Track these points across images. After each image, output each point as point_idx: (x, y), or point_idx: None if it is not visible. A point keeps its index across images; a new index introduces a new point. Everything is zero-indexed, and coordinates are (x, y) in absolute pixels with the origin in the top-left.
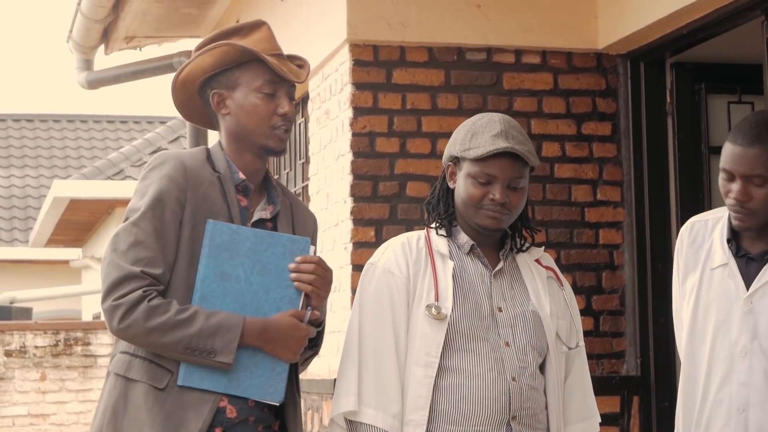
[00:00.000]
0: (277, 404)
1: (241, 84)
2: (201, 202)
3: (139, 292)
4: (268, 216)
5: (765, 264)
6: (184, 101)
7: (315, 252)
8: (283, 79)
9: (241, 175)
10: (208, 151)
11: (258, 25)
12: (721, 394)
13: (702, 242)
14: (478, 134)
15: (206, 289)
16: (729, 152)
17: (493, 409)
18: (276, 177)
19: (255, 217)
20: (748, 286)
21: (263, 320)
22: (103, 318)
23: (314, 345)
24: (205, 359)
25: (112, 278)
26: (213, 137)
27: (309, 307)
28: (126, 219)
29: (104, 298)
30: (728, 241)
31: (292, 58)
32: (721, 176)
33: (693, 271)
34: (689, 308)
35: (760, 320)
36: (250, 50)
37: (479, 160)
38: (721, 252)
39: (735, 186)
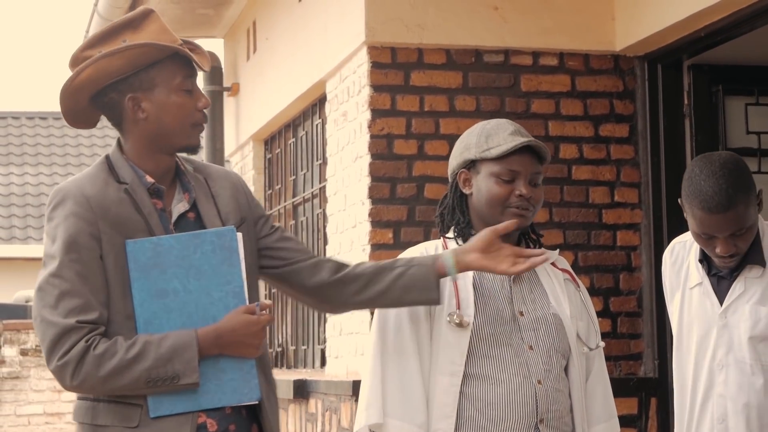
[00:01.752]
0: (257, 402)
1: (158, 84)
2: (115, 226)
3: (82, 343)
4: (187, 206)
5: (734, 281)
6: (72, 105)
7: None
8: (194, 71)
9: (150, 179)
10: (108, 162)
11: (147, 14)
12: (705, 407)
13: (681, 263)
14: (492, 135)
15: (147, 312)
16: (706, 220)
17: (520, 414)
18: (184, 156)
19: (174, 215)
20: (721, 303)
21: (215, 327)
22: None
23: None
24: (170, 385)
25: (50, 337)
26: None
27: (257, 303)
28: (44, 264)
29: (48, 360)
30: (700, 261)
31: (185, 43)
32: (697, 237)
33: (676, 291)
34: (675, 326)
35: (734, 334)
36: (173, 47)
37: (502, 158)
38: (696, 272)
39: (718, 243)
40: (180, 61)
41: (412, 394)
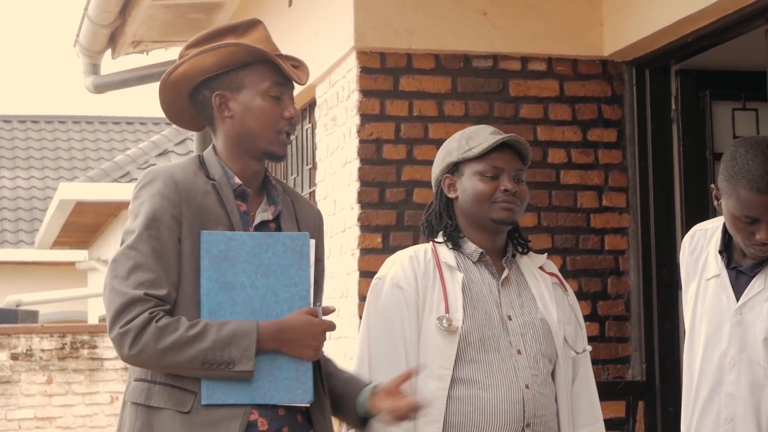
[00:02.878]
0: (308, 405)
1: (246, 86)
2: (198, 214)
3: (146, 314)
4: (270, 217)
5: (754, 277)
6: (171, 102)
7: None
8: (287, 80)
9: (237, 180)
10: (200, 158)
11: (254, 23)
12: (710, 404)
13: (701, 252)
14: (473, 137)
15: (212, 303)
16: (752, 200)
17: (507, 418)
18: (276, 177)
19: (257, 221)
20: (738, 298)
21: (277, 322)
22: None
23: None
24: (225, 371)
25: (116, 305)
26: None
27: (318, 304)
28: (122, 242)
29: (110, 327)
30: (720, 252)
31: (287, 58)
32: (737, 221)
33: (692, 281)
34: (688, 318)
35: (748, 332)
36: (260, 50)
37: (484, 155)
38: (714, 263)
39: (761, 229)
40: (272, 68)
41: None
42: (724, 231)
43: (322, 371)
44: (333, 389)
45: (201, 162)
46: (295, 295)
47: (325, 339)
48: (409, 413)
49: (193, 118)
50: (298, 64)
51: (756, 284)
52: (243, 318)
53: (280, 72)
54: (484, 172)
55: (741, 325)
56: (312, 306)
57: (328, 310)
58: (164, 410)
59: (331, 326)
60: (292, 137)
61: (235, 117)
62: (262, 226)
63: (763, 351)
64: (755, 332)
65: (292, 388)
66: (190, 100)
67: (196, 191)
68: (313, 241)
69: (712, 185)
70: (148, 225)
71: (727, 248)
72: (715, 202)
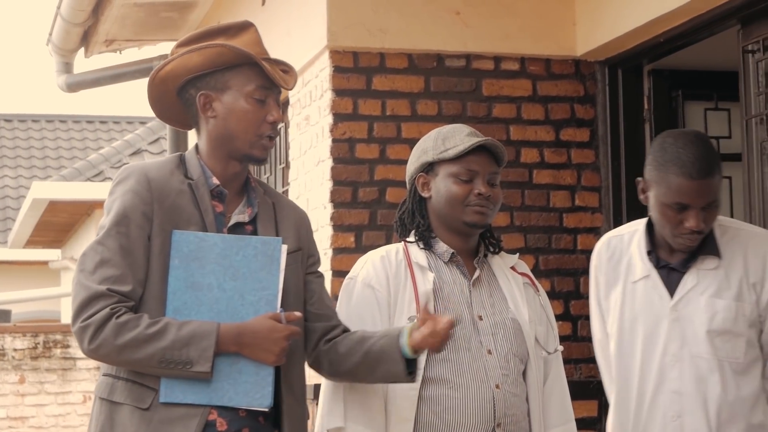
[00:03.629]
0: (266, 409)
1: (231, 87)
2: (170, 213)
3: (107, 310)
4: (247, 219)
5: (686, 272)
6: (159, 99)
7: (286, 251)
8: (273, 84)
9: (215, 180)
10: (181, 157)
11: (246, 26)
12: (655, 403)
13: (620, 257)
14: (449, 138)
15: (178, 301)
16: (684, 187)
17: (478, 418)
18: (258, 178)
19: (232, 222)
20: (671, 296)
21: (238, 325)
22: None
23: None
24: (182, 371)
25: (80, 299)
26: (194, 139)
27: (281, 309)
28: (96, 236)
29: (73, 321)
30: (648, 253)
31: (277, 63)
32: (667, 210)
33: (614, 286)
34: (615, 323)
35: (687, 327)
36: (246, 53)
37: (459, 157)
38: (641, 264)
39: (690, 216)
40: (259, 71)
41: (371, 398)
42: (648, 231)
43: (356, 337)
44: (372, 347)
45: (181, 161)
46: (263, 299)
47: (287, 345)
48: (448, 330)
49: (181, 116)
50: (287, 69)
51: (689, 279)
52: (208, 319)
53: (266, 76)
54: (459, 175)
55: (679, 321)
56: (278, 312)
57: (293, 317)
58: (124, 405)
59: (295, 333)
60: (274, 141)
61: (219, 117)
62: (238, 227)
63: (705, 344)
64: (695, 327)
65: (251, 391)
66: (178, 97)
67: (170, 190)
68: (285, 247)
69: (639, 178)
70: (117, 221)
71: (654, 248)
72: (641, 196)
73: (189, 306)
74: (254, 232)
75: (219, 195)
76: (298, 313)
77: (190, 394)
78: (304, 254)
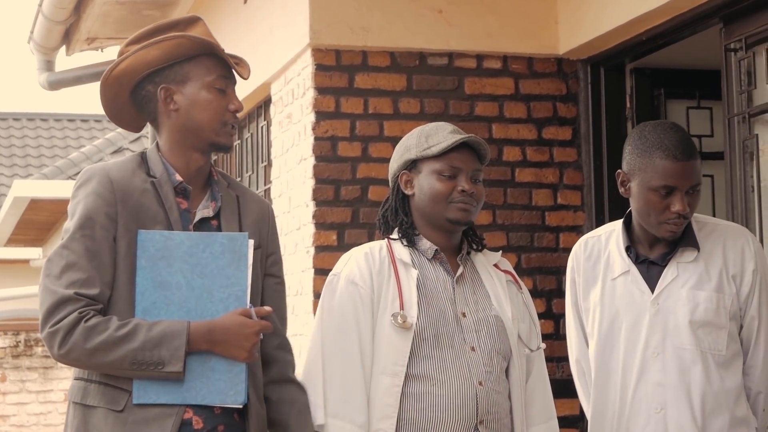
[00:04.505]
0: (240, 406)
1: (192, 78)
2: (134, 213)
3: (75, 314)
4: (211, 214)
5: (666, 266)
6: (112, 99)
7: (253, 246)
8: (231, 74)
9: (179, 177)
10: (142, 156)
11: (194, 20)
12: (638, 396)
13: (598, 256)
14: (432, 135)
15: (147, 302)
16: (670, 169)
17: (460, 415)
18: (221, 171)
19: (197, 217)
20: (652, 290)
21: (209, 322)
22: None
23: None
24: (154, 371)
25: (47, 305)
26: None
27: (250, 305)
28: (61, 240)
29: (41, 327)
30: (627, 248)
31: (230, 56)
32: (653, 195)
33: (594, 286)
34: (596, 320)
35: (669, 320)
36: (206, 42)
37: (443, 154)
38: (620, 261)
39: (676, 200)
40: (217, 61)
41: (354, 394)
42: (626, 228)
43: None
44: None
45: (143, 159)
46: (231, 296)
47: (258, 340)
48: None
49: (134, 117)
50: (239, 61)
51: (669, 272)
52: (177, 317)
53: (224, 65)
54: (442, 172)
55: (660, 314)
56: (247, 308)
57: (264, 311)
58: (98, 409)
59: (266, 327)
60: (236, 129)
61: (181, 110)
62: (203, 223)
63: (688, 335)
64: (677, 318)
65: (225, 389)
66: (131, 97)
67: (133, 189)
68: (251, 242)
69: (619, 170)
70: (82, 224)
71: (633, 243)
72: (622, 189)
73: (158, 306)
74: (219, 228)
75: (183, 192)
76: (267, 308)
77: (163, 394)
78: (263, 252)
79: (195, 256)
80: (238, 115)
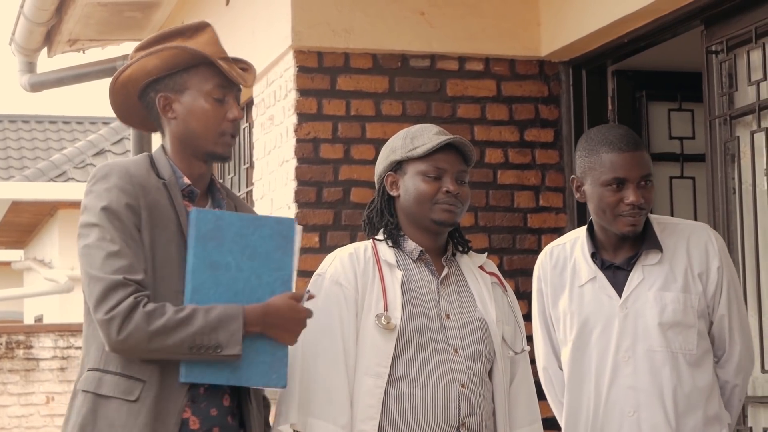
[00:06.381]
0: (283, 389)
1: (189, 88)
2: (151, 209)
3: (131, 299)
4: None
5: (632, 269)
6: (122, 104)
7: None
8: (231, 83)
9: (187, 180)
10: (150, 157)
11: (202, 26)
12: (611, 400)
13: (564, 264)
14: (418, 136)
15: (197, 281)
16: (618, 161)
17: (443, 417)
18: (221, 181)
19: None
20: (620, 294)
21: (262, 305)
22: (45, 321)
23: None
24: (212, 355)
25: (97, 292)
26: (157, 139)
27: (308, 290)
28: (79, 236)
29: (95, 314)
30: (592, 255)
31: (236, 61)
32: (605, 192)
33: (561, 293)
34: (567, 327)
35: (638, 323)
36: (201, 54)
37: (428, 155)
38: (586, 268)
39: (629, 192)
40: (216, 70)
41: (337, 395)
42: (590, 234)
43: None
44: None
45: (151, 161)
46: (278, 280)
47: (306, 326)
48: None
49: (144, 120)
50: (246, 67)
51: (635, 276)
52: (226, 299)
53: (223, 74)
54: (427, 173)
55: (629, 318)
56: (297, 292)
57: (312, 296)
58: (112, 399)
59: (311, 314)
60: (236, 138)
61: (179, 118)
62: None
63: (658, 337)
64: (646, 321)
65: (268, 371)
66: (139, 101)
67: (150, 186)
68: (300, 228)
69: (573, 176)
70: (110, 217)
71: (596, 250)
72: (577, 194)
73: (207, 285)
74: None
75: (190, 194)
76: (313, 293)
77: (209, 374)
78: None
79: (245, 238)
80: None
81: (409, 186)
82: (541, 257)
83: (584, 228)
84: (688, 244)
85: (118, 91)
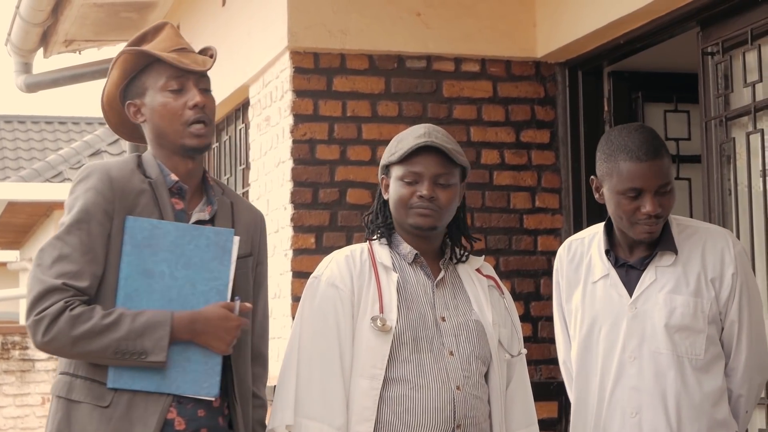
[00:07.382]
0: (212, 399)
1: (148, 88)
2: (131, 212)
3: (61, 303)
4: (207, 217)
5: (644, 270)
6: (118, 122)
7: (238, 243)
8: (186, 71)
9: (174, 177)
10: (139, 158)
11: (161, 26)
12: (614, 400)
13: (581, 259)
14: (403, 140)
15: (130, 288)
16: (635, 171)
17: (437, 419)
18: (215, 178)
19: (193, 219)
20: (630, 293)
21: (191, 313)
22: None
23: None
24: (137, 361)
25: (34, 293)
26: None
27: (237, 297)
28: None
29: (27, 314)
30: (607, 252)
31: (202, 51)
32: (622, 199)
33: (575, 288)
34: (577, 323)
35: (646, 324)
36: (146, 52)
37: (404, 159)
38: (600, 264)
39: (645, 201)
40: (167, 64)
41: (333, 396)
42: (607, 231)
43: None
44: None
45: (139, 162)
46: (213, 289)
47: (238, 335)
48: None
49: (134, 130)
50: (212, 53)
51: (647, 277)
52: (158, 306)
53: (175, 65)
54: (404, 177)
55: (637, 318)
56: (230, 302)
57: (246, 308)
58: (83, 404)
59: (246, 324)
60: (208, 126)
61: (148, 120)
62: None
63: (664, 340)
64: (654, 322)
65: (200, 380)
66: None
67: (131, 189)
68: (237, 239)
69: (592, 177)
70: (79, 219)
71: (613, 247)
72: (597, 195)
73: (140, 293)
74: None
75: (179, 191)
76: (248, 304)
77: (138, 380)
78: (254, 260)
79: (181, 247)
80: (216, 109)
81: (392, 190)
82: (560, 251)
83: (602, 224)
84: (704, 248)
85: (108, 112)
